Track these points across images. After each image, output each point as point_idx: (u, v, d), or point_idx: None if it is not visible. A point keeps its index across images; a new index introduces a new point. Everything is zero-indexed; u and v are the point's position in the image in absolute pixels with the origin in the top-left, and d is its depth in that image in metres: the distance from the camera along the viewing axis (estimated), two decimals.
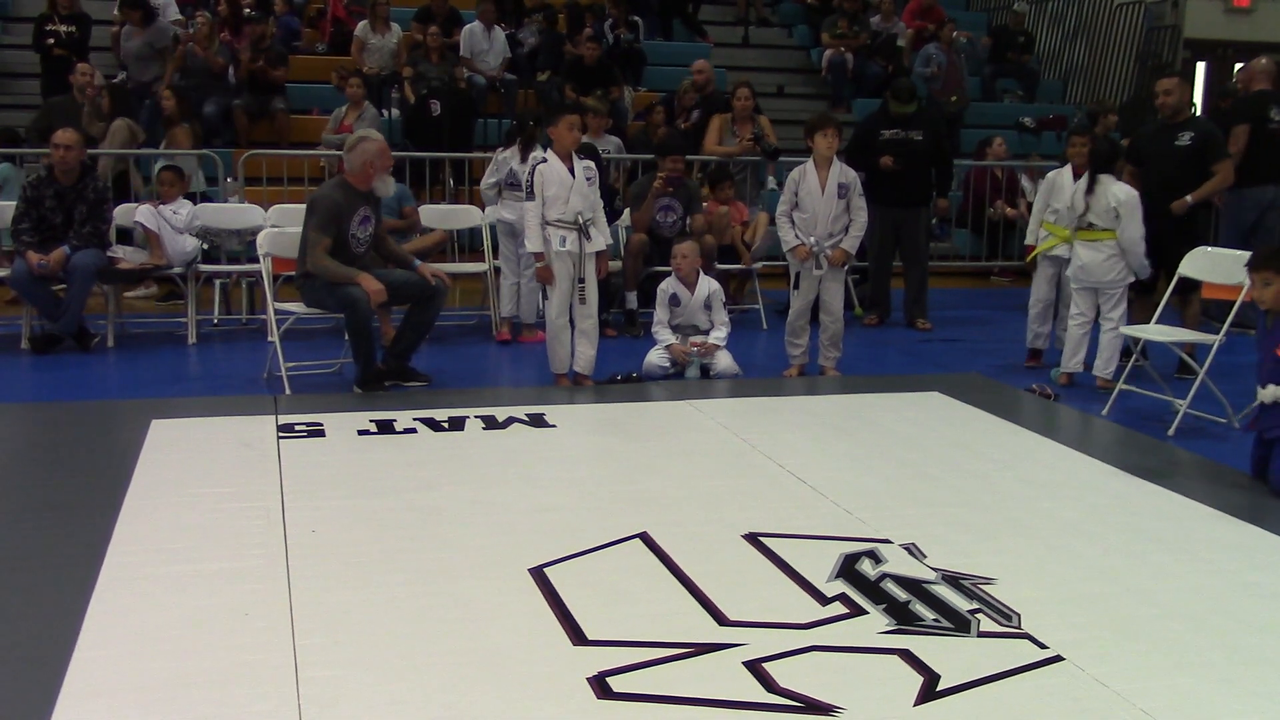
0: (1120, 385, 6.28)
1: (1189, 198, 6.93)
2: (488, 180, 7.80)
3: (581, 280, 6.23)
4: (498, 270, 7.94)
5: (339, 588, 3.55)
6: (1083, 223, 6.64)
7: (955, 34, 13.23)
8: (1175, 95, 7.14)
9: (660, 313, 6.81)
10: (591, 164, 6.36)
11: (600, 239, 6.30)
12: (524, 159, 7.36)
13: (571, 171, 6.17)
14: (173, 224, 7.62)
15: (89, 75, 9.70)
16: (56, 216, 7.08)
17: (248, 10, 11.34)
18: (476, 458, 4.96)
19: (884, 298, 8.78)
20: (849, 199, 6.56)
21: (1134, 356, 6.40)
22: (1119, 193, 6.54)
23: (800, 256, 6.58)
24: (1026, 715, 2.90)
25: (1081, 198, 6.62)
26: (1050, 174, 7.32)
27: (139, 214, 7.56)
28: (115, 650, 3.11)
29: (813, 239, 6.53)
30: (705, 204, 8.47)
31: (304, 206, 7.76)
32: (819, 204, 6.52)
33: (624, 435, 5.53)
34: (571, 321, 6.30)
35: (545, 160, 6.17)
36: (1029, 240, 7.43)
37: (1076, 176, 6.91)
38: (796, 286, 6.68)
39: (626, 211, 8.43)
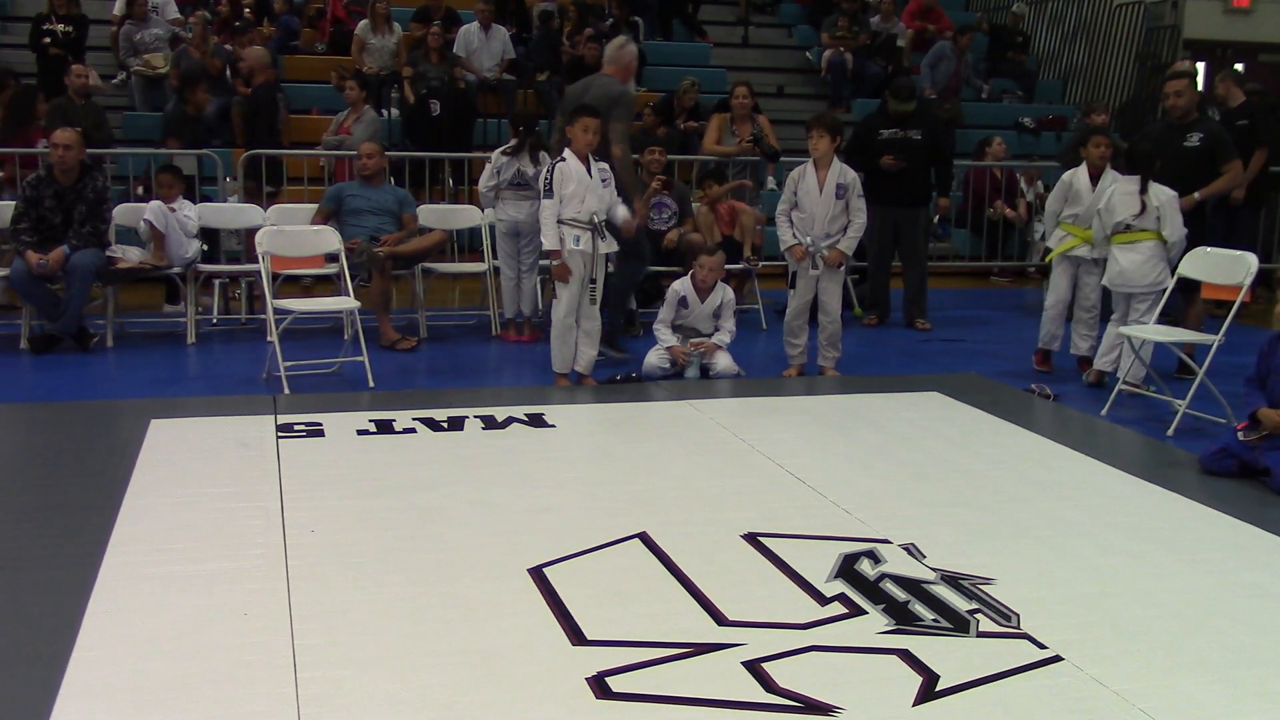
0: (1120, 385, 6.29)
1: (1197, 194, 6.92)
2: (486, 182, 7.76)
3: (593, 280, 6.24)
4: (497, 270, 7.93)
5: (338, 588, 3.55)
6: (1119, 226, 6.48)
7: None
8: (1185, 96, 7.12)
9: (665, 311, 6.79)
10: (606, 166, 6.37)
11: (613, 240, 6.31)
12: (534, 160, 7.36)
13: (589, 171, 6.18)
14: (184, 227, 7.55)
15: (84, 76, 9.70)
16: (56, 216, 7.07)
17: (238, 23, 11.31)
18: (476, 458, 4.96)
19: (883, 298, 8.77)
20: (848, 200, 6.55)
21: (1133, 357, 6.40)
22: (1160, 193, 6.43)
23: (796, 256, 6.58)
24: (1026, 715, 2.90)
25: (1136, 199, 6.41)
26: (1065, 175, 7.14)
27: (149, 211, 7.45)
28: (115, 650, 3.11)
29: (809, 239, 6.53)
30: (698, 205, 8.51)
31: (301, 207, 7.76)
32: (817, 204, 6.52)
33: (624, 435, 5.53)
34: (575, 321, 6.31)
35: (564, 159, 6.18)
36: (1049, 242, 7.27)
37: (1093, 178, 6.86)
38: (794, 286, 6.69)
39: None
